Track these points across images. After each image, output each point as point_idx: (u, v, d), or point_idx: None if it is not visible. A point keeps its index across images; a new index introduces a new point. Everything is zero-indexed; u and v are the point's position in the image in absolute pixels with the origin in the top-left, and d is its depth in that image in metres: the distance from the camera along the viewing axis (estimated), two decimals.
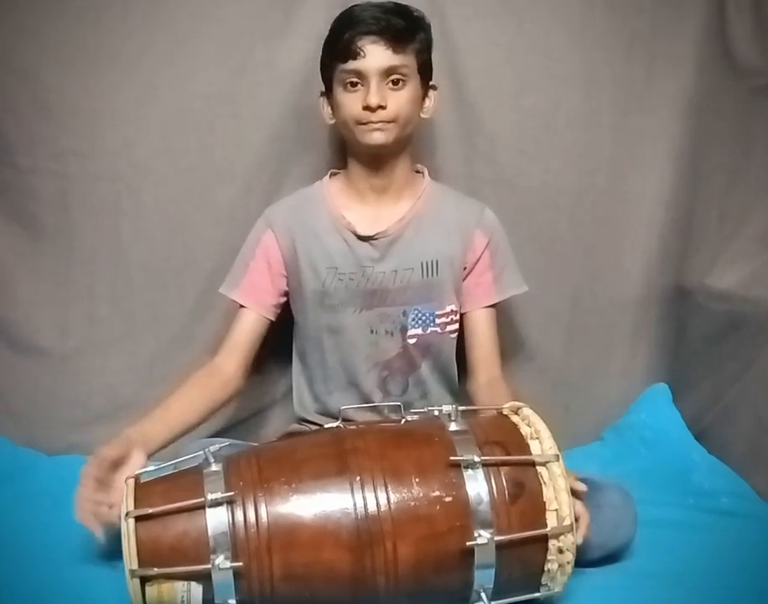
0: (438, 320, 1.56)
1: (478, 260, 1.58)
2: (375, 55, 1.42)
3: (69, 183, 1.71)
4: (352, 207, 1.55)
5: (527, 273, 1.64)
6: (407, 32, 1.44)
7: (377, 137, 1.45)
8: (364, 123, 1.44)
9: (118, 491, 1.17)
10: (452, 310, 1.57)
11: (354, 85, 1.44)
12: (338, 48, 1.44)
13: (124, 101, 1.70)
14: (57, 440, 1.71)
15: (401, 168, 1.54)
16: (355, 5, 1.47)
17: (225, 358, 1.53)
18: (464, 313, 1.59)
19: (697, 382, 1.78)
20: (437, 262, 1.54)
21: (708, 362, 1.76)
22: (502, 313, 1.66)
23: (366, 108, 1.42)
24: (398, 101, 1.44)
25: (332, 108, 1.50)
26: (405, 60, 1.44)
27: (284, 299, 1.59)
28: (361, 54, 1.41)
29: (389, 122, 1.44)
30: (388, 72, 1.43)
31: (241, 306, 1.55)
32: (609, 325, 1.86)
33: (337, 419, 1.24)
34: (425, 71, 1.49)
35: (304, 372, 1.62)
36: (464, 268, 1.57)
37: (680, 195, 1.83)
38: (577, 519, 1.18)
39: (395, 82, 1.44)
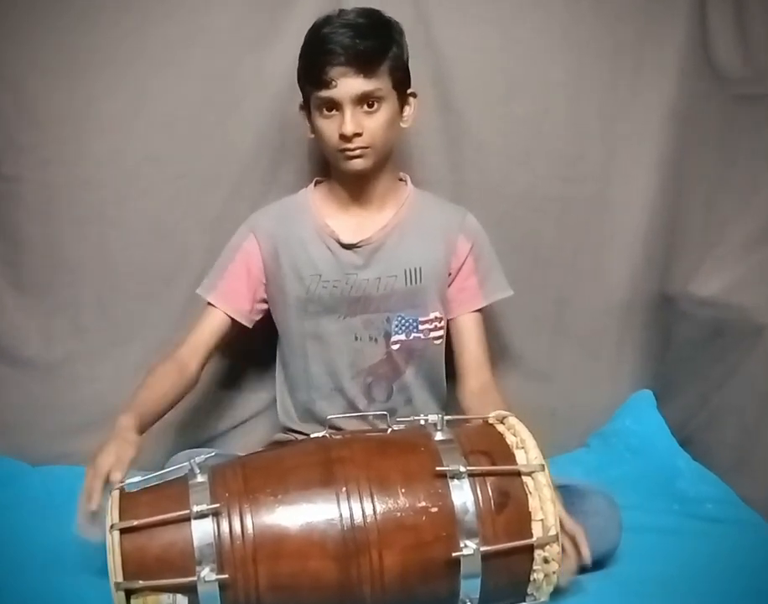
0: (421, 327, 1.56)
1: (462, 265, 1.58)
2: (346, 85, 1.40)
3: (54, 191, 1.71)
4: (336, 215, 1.56)
5: (513, 279, 1.65)
6: (378, 54, 1.42)
7: (357, 164, 1.46)
8: (342, 151, 1.44)
9: None
10: (436, 317, 1.57)
11: (329, 110, 1.43)
12: (309, 75, 1.44)
13: (110, 109, 1.70)
14: (44, 450, 1.70)
15: (383, 179, 1.54)
16: (325, 23, 1.44)
17: (189, 353, 1.51)
18: (451, 319, 1.60)
19: (682, 388, 1.79)
20: (420, 269, 1.54)
21: (692, 369, 1.76)
22: (487, 319, 1.66)
23: (342, 137, 1.42)
24: (375, 124, 1.44)
25: (311, 124, 1.50)
26: (378, 84, 1.42)
27: (262, 305, 1.59)
28: (333, 84, 1.40)
29: (367, 147, 1.44)
30: (362, 98, 1.42)
31: (212, 305, 1.55)
32: (594, 331, 1.87)
33: (322, 426, 1.24)
34: (401, 85, 1.48)
35: (288, 381, 1.62)
36: (449, 274, 1.58)
37: (664, 202, 1.84)
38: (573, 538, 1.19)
39: (370, 105, 1.43)
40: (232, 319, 1.55)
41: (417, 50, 1.64)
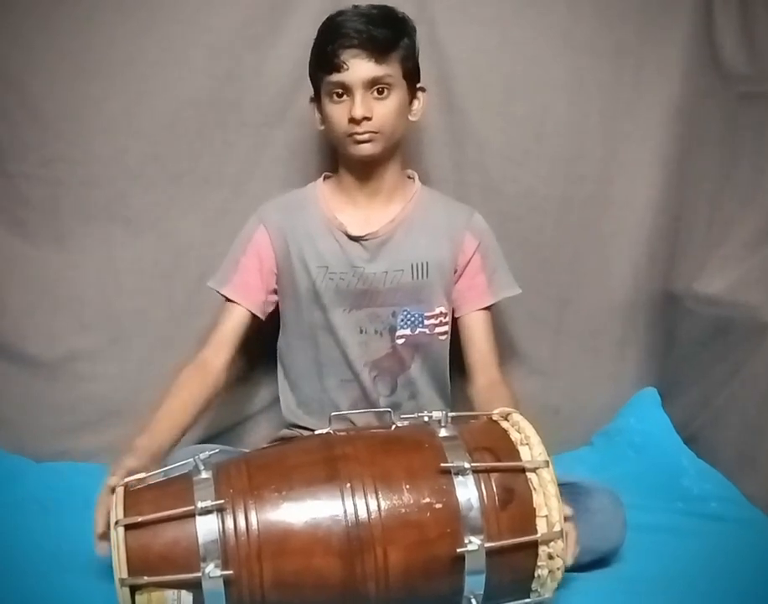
0: (426, 322, 1.57)
1: (468, 263, 1.58)
2: (358, 68, 1.42)
3: (59, 189, 1.71)
4: (344, 209, 1.56)
5: (516, 278, 1.65)
6: (390, 41, 1.44)
7: (365, 149, 1.46)
8: (351, 135, 1.45)
9: None
10: (441, 312, 1.58)
11: (339, 95, 1.44)
12: (322, 60, 1.45)
13: (114, 108, 1.70)
14: (46, 447, 1.70)
15: (391, 172, 1.54)
16: (339, 13, 1.46)
17: (212, 353, 1.52)
18: (459, 317, 1.60)
19: (686, 386, 1.79)
20: (426, 264, 1.55)
21: (696, 367, 1.76)
22: (491, 318, 1.66)
23: (352, 120, 1.43)
24: (384, 110, 1.44)
25: (321, 115, 1.51)
26: (389, 70, 1.44)
27: (274, 297, 1.59)
28: (344, 67, 1.42)
29: (376, 132, 1.44)
30: (372, 83, 1.43)
31: (230, 301, 1.55)
32: (597, 329, 1.87)
33: (328, 420, 1.24)
34: (411, 76, 1.49)
35: (293, 374, 1.62)
36: (455, 271, 1.58)
37: (668, 201, 1.84)
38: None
39: (380, 91, 1.44)
40: (251, 312, 1.55)
41: (421, 51, 1.64)
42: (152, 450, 1.28)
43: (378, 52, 1.42)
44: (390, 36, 1.44)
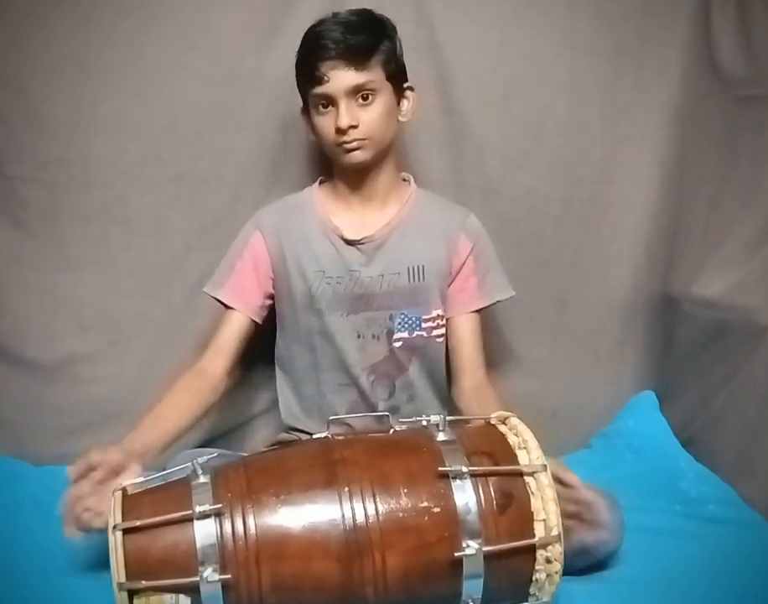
0: (424, 325, 1.57)
1: (462, 265, 1.59)
2: (338, 79, 1.42)
3: (57, 191, 1.71)
4: (340, 213, 1.57)
5: (514, 280, 1.65)
6: (369, 46, 1.44)
7: (356, 157, 1.47)
8: (340, 144, 1.45)
9: (107, 500, 1.14)
10: (438, 315, 1.58)
11: (325, 106, 1.45)
12: (304, 73, 1.47)
13: (113, 110, 1.70)
14: (45, 450, 1.70)
15: (385, 176, 1.55)
16: (320, 23, 1.47)
17: (211, 360, 1.53)
18: (449, 318, 1.60)
19: (685, 389, 1.78)
20: (423, 267, 1.55)
21: (695, 370, 1.76)
22: (489, 319, 1.67)
23: (338, 130, 1.43)
24: (370, 116, 1.45)
25: (311, 126, 1.51)
26: (370, 76, 1.44)
27: (270, 302, 1.60)
28: (325, 78, 1.43)
29: (364, 139, 1.45)
30: (355, 91, 1.43)
31: (228, 308, 1.55)
32: (596, 332, 1.87)
33: (326, 424, 1.24)
34: (396, 78, 1.50)
35: (291, 378, 1.63)
36: (450, 273, 1.58)
37: (666, 203, 1.84)
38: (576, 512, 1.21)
39: (364, 98, 1.45)
40: (249, 318, 1.55)
41: (420, 52, 1.66)
42: (135, 452, 1.28)
43: (357, 59, 1.42)
44: (368, 42, 1.44)
